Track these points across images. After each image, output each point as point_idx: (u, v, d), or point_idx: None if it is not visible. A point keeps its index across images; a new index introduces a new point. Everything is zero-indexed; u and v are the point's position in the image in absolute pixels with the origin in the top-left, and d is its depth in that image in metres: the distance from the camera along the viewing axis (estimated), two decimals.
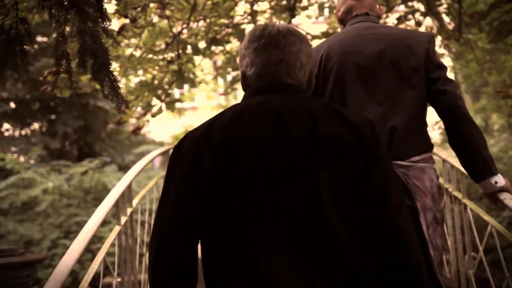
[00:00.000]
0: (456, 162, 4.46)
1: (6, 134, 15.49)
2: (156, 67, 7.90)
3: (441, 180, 4.82)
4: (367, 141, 1.96)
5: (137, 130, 8.04)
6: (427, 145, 3.13)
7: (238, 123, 1.99)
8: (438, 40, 8.90)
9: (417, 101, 3.10)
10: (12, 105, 15.47)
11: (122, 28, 6.65)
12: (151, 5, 7.07)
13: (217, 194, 1.94)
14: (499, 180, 3.12)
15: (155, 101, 7.86)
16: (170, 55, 7.80)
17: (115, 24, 7.95)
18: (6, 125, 15.70)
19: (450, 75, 12.40)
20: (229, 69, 9.02)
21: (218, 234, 1.96)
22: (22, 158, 12.71)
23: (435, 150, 4.62)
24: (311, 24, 13.99)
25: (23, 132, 15.80)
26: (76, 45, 2.92)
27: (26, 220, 10.31)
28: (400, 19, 8.12)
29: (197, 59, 8.40)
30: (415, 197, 3.04)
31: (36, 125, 16.32)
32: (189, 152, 1.99)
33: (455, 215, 4.56)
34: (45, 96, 14.07)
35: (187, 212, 1.96)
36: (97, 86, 7.16)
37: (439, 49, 9.07)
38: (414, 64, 3.10)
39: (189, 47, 7.65)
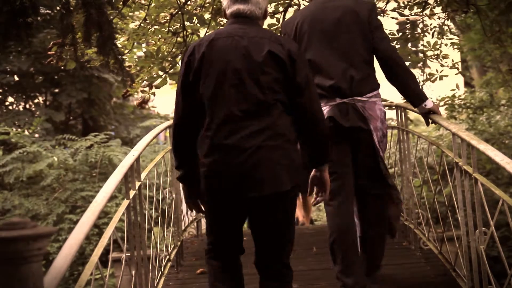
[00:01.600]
0: (466, 135, 4.41)
1: (11, 107, 15.44)
2: (161, 39, 7.83)
3: (451, 154, 4.79)
4: (293, 56, 3.34)
5: (143, 103, 7.98)
6: (376, 84, 4.43)
7: (212, 39, 3.39)
8: (444, 14, 8.80)
9: (367, 55, 4.40)
10: (16, 78, 15.41)
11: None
12: None
13: (201, 81, 3.36)
14: (428, 103, 4.50)
15: (159, 73, 7.79)
16: (174, 27, 7.72)
17: None
18: (10, 99, 15.65)
19: (456, 52, 12.29)
20: None
21: (204, 98, 3.36)
22: (26, 132, 12.67)
23: (444, 123, 4.72)
24: None
25: (27, 106, 15.74)
26: (81, 18, 2.87)
27: (31, 194, 10.29)
28: None
29: (201, 32, 8.34)
30: (369, 122, 4.37)
31: (40, 99, 16.26)
32: (188, 56, 3.42)
33: (466, 190, 4.51)
34: (48, 69, 14.00)
35: (188, 86, 3.40)
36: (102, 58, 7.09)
37: (447, 22, 8.99)
38: (362, 27, 4.39)
39: (195, 18, 7.57)
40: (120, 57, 2.85)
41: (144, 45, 8.40)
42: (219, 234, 3.60)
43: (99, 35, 2.79)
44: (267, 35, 3.41)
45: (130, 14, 8.03)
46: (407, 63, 8.66)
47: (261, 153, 3.29)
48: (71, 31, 2.83)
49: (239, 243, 3.66)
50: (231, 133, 3.31)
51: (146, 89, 7.76)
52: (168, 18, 7.63)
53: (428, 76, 9.19)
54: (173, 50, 7.77)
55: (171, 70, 7.78)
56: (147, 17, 7.55)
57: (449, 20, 9.05)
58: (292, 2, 8.56)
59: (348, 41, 4.38)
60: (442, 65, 9.07)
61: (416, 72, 9.37)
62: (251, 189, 3.31)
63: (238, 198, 3.37)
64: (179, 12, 7.29)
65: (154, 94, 7.77)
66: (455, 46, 10.62)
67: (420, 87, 4.59)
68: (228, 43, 3.36)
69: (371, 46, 4.39)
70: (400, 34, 8.61)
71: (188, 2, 7.70)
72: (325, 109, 4.31)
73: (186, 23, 7.49)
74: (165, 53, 7.76)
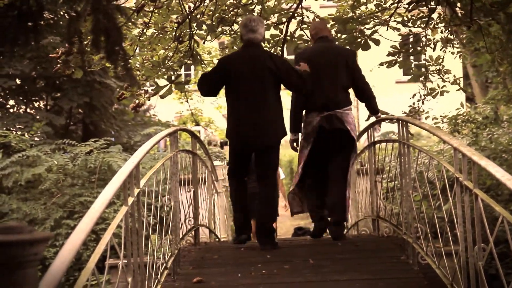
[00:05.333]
0: (468, 151, 4.40)
1: (12, 110, 15.40)
2: (168, 48, 7.81)
3: (451, 169, 4.77)
4: (278, 65, 6.51)
5: (137, 107, 7.95)
6: (350, 102, 7.06)
7: (237, 57, 6.70)
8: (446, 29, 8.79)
9: (348, 84, 7.02)
10: (18, 81, 15.37)
11: (142, 7, 6.56)
12: None
13: (225, 82, 6.63)
14: (378, 115, 7.25)
15: (163, 81, 7.76)
16: (178, 34, 7.71)
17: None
18: (11, 102, 15.60)
19: (458, 63, 12.28)
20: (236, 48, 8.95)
21: (229, 98, 6.70)
22: (26, 135, 12.61)
23: (446, 138, 4.72)
24: (319, 7, 13.96)
25: (28, 109, 15.70)
26: (89, 25, 2.84)
27: (30, 198, 10.23)
28: (412, 4, 8.05)
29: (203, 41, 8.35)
30: (346, 125, 6.90)
31: (41, 103, 16.22)
32: (223, 63, 6.72)
33: (466, 205, 4.49)
34: (50, 73, 13.96)
35: (215, 83, 6.73)
36: (108, 65, 7.04)
37: (450, 35, 8.99)
38: (347, 67, 6.97)
39: (204, 26, 7.58)
40: (128, 64, 2.80)
41: (145, 51, 8.39)
42: (236, 164, 6.85)
43: (107, 41, 2.75)
44: (265, 54, 6.68)
45: (133, 20, 8.02)
46: (408, 77, 9.14)
47: (262, 122, 6.50)
48: (79, 38, 2.79)
49: (245, 169, 6.88)
50: (246, 110, 6.49)
51: (141, 93, 7.74)
52: (173, 26, 7.62)
53: (429, 91, 9.18)
54: (178, 58, 7.75)
55: (178, 79, 7.75)
56: (153, 25, 7.55)
57: (452, 35, 9.04)
58: (296, 14, 8.57)
59: (338, 75, 6.95)
60: (443, 80, 9.05)
61: (418, 86, 9.37)
62: (255, 143, 6.58)
63: (249, 147, 6.65)
64: (187, 20, 7.29)
65: (149, 98, 7.74)
66: (459, 56, 10.62)
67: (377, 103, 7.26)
68: (245, 60, 6.52)
69: (351, 79, 7.01)
70: (403, 48, 8.62)
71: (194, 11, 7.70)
72: (317, 119, 6.95)
73: (195, 31, 7.51)
74: (170, 62, 7.74)
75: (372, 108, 7.23)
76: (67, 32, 2.71)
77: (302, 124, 7.24)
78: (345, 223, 7.36)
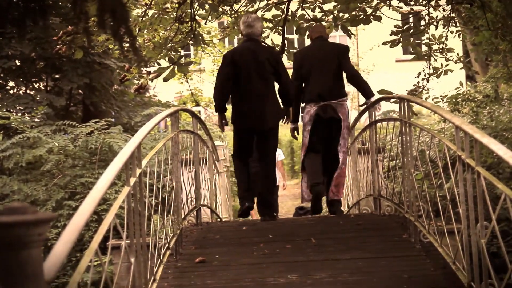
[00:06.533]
0: (470, 129, 4.39)
1: (11, 92, 15.35)
2: (167, 28, 7.78)
3: (453, 148, 4.77)
4: (277, 59, 7.46)
5: (140, 89, 7.93)
6: (344, 94, 7.92)
7: (239, 50, 7.53)
8: (448, 6, 8.75)
9: (339, 74, 7.85)
10: (17, 62, 15.30)
11: None
12: None
13: (234, 73, 7.31)
14: (372, 98, 7.77)
15: (165, 63, 7.73)
16: (179, 14, 7.67)
17: None
18: (11, 83, 15.55)
19: (458, 43, 12.21)
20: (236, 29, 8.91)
21: (235, 86, 7.42)
22: (27, 117, 12.57)
23: (447, 116, 4.73)
24: None
25: (27, 90, 15.64)
26: (92, 5, 2.82)
27: (31, 180, 10.22)
28: None
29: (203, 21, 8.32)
30: (339, 114, 7.76)
31: (41, 84, 16.16)
32: (226, 59, 7.43)
33: (468, 183, 4.49)
34: (50, 54, 13.91)
35: (227, 75, 7.33)
36: (110, 46, 7.00)
37: (451, 14, 8.95)
38: (338, 60, 7.74)
39: (206, 6, 7.57)
40: (134, 41, 2.76)
41: (146, 32, 8.36)
42: (240, 146, 7.59)
43: (113, 20, 2.72)
44: (264, 49, 7.64)
45: (134, 1, 7.99)
46: (408, 56, 9.25)
47: (264, 109, 7.29)
48: (85, 19, 2.76)
49: (250, 151, 7.56)
50: (252, 97, 7.27)
51: (143, 75, 7.72)
52: (174, 6, 7.59)
53: (433, 70, 9.15)
54: (180, 39, 7.72)
55: (181, 61, 7.71)
56: (154, 6, 7.51)
57: (454, 12, 8.99)
58: None
59: (330, 68, 7.75)
60: (447, 59, 9.02)
61: (422, 64, 9.34)
62: (259, 126, 7.35)
63: (253, 129, 7.41)
64: (188, 0, 7.26)
65: (152, 80, 7.72)
66: (459, 35, 10.57)
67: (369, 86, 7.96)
68: (247, 53, 7.28)
69: (342, 69, 7.80)
70: (405, 27, 8.58)
71: None
72: (314, 109, 7.78)
73: (197, 11, 7.48)
74: (172, 43, 7.70)
75: (365, 93, 7.90)
76: (73, 13, 2.68)
77: (301, 114, 8.19)
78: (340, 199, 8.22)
